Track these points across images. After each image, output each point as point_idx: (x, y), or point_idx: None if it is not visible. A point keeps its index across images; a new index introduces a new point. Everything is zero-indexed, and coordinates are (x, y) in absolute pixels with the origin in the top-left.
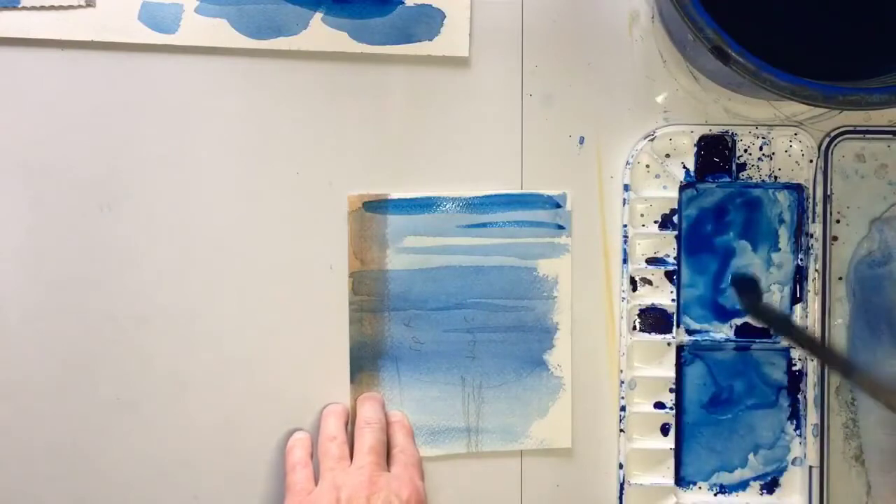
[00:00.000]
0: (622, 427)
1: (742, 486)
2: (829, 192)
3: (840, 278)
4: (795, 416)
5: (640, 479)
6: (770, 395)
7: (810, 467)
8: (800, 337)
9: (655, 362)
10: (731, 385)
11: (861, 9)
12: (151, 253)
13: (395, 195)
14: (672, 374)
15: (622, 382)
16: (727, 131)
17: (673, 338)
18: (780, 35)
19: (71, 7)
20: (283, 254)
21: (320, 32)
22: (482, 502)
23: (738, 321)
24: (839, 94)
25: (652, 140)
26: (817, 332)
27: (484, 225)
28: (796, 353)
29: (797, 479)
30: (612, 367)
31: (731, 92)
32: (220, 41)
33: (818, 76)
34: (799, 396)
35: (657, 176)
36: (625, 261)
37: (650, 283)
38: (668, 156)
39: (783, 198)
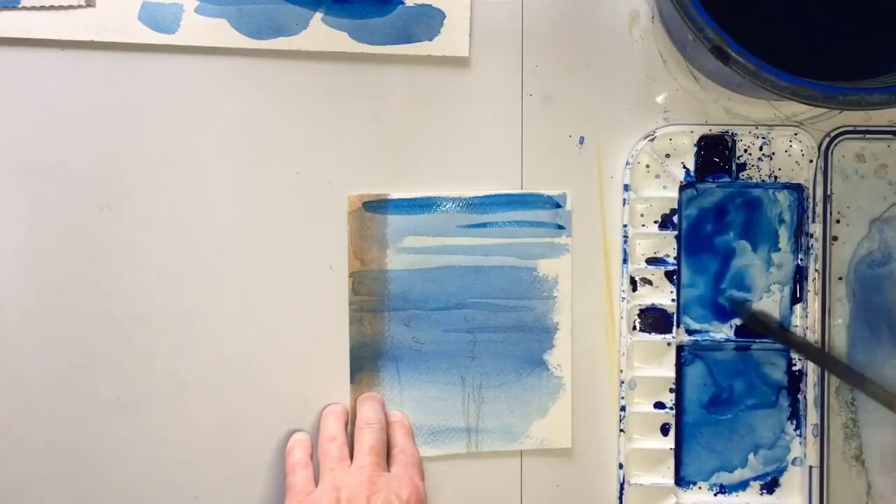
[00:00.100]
0: (622, 427)
1: (742, 486)
2: (829, 192)
3: (840, 278)
4: (795, 416)
5: (640, 479)
6: (770, 395)
7: (810, 467)
8: (821, 359)
9: (655, 362)
10: (731, 385)
11: (861, 9)
12: (151, 253)
13: (395, 195)
14: (672, 374)
15: (622, 382)
16: (727, 131)
17: (673, 338)
18: (780, 35)
19: (71, 7)
20: (283, 254)
21: (320, 32)
22: (482, 502)
23: (738, 321)
24: (839, 94)
25: (652, 140)
26: (817, 332)
27: (484, 225)
28: (796, 353)
29: (797, 479)
30: (612, 367)
31: (731, 92)
32: (220, 41)
33: (818, 76)
34: (799, 396)
35: (657, 176)
36: (625, 261)
37: (650, 283)
38: (668, 156)
39: (783, 198)
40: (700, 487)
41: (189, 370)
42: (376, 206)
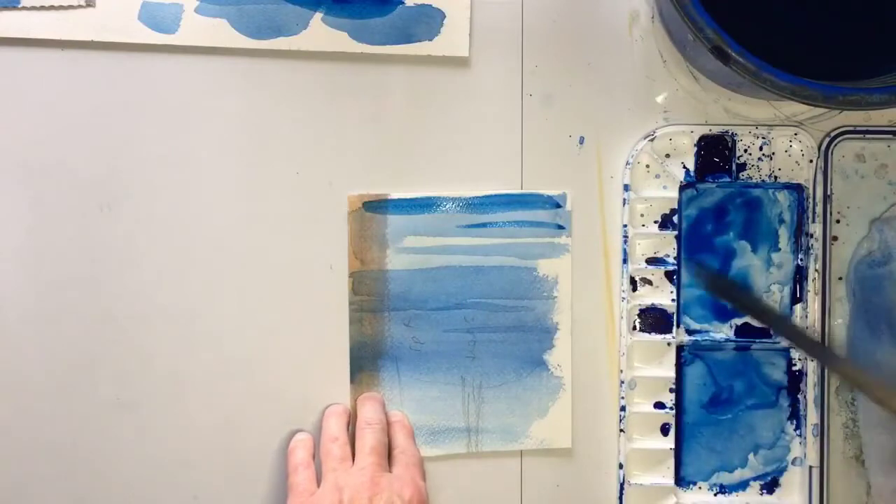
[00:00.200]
0: (622, 427)
1: (742, 486)
2: (829, 192)
3: (840, 278)
4: (795, 416)
5: (640, 479)
6: (770, 395)
7: (810, 467)
8: (780, 326)
9: (655, 362)
10: (731, 385)
11: (861, 9)
12: (151, 253)
13: (395, 195)
14: (672, 374)
15: (622, 382)
16: (727, 131)
17: (673, 338)
18: (780, 35)
19: (71, 7)
20: (283, 254)
21: (320, 32)
22: (482, 502)
23: (738, 321)
24: (839, 94)
25: (652, 140)
26: (817, 332)
27: (484, 225)
28: (796, 354)
29: (797, 479)
30: (612, 367)
31: (731, 92)
32: (220, 41)
33: (818, 76)
34: (799, 396)
35: (657, 176)
36: (625, 261)
37: (650, 283)
38: (668, 156)
39: (783, 198)
40: (700, 487)
41: (189, 370)
42: (376, 206)
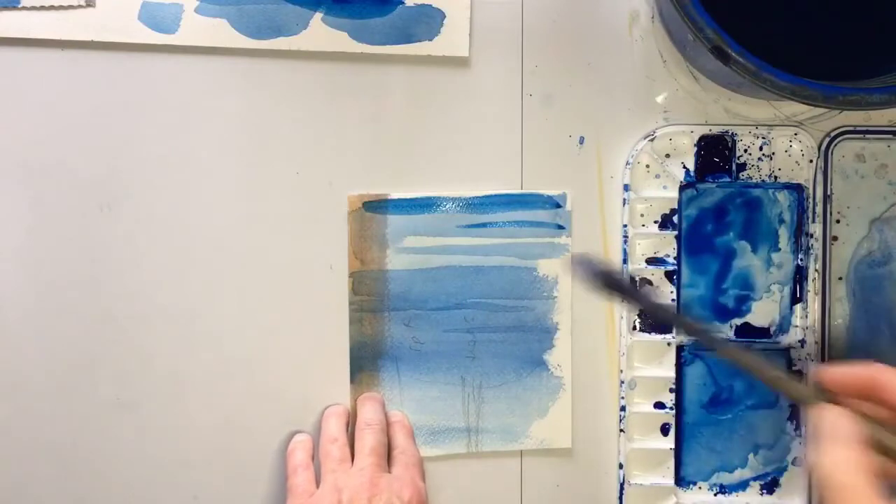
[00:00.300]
0: (622, 427)
1: (742, 486)
2: (829, 192)
3: (840, 278)
4: (795, 416)
5: (640, 479)
6: (770, 395)
7: None
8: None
9: (655, 362)
10: (731, 385)
11: (861, 9)
12: (151, 253)
13: (395, 195)
14: (672, 374)
15: (622, 382)
16: (727, 131)
17: (673, 338)
18: (780, 35)
19: (71, 7)
20: (283, 254)
21: (320, 32)
22: (482, 502)
23: (738, 321)
24: (839, 94)
25: (652, 140)
26: (817, 333)
27: (484, 225)
28: (796, 353)
29: (797, 479)
30: (612, 367)
31: (731, 92)
32: (220, 41)
33: (818, 76)
34: None
35: (657, 176)
36: (625, 261)
37: (650, 283)
38: (668, 156)
39: (783, 198)
40: (700, 487)
41: (189, 370)
42: (376, 206)
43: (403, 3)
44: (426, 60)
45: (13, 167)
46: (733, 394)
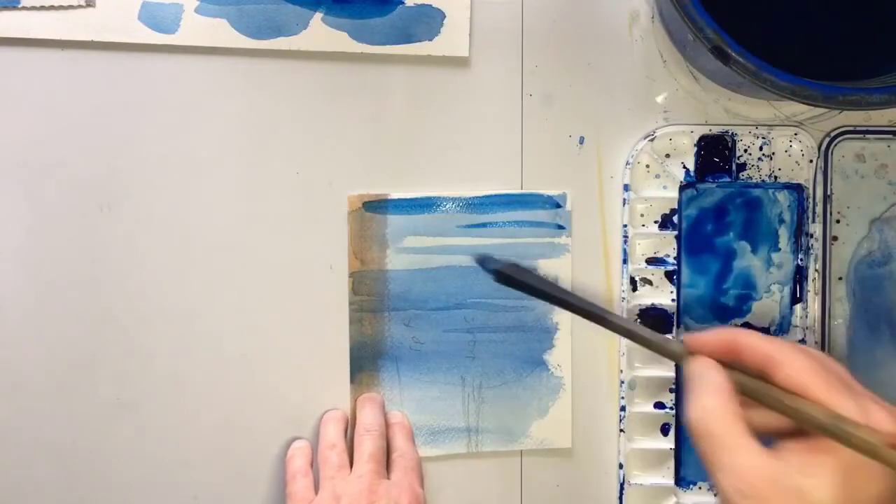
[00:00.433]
0: (622, 427)
1: None
2: (829, 192)
3: (840, 278)
4: None
5: (640, 479)
6: None
7: None
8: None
9: (655, 362)
10: None
11: (861, 9)
12: (151, 253)
13: (395, 195)
14: (672, 374)
15: (622, 382)
16: (727, 131)
17: (673, 338)
18: (780, 35)
19: (71, 7)
20: (283, 254)
21: (320, 32)
22: (482, 502)
23: (739, 321)
24: (839, 94)
25: (652, 140)
26: (817, 332)
27: (484, 225)
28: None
29: None
30: (612, 367)
31: (731, 92)
32: (220, 41)
33: (818, 76)
34: None
35: (657, 176)
36: (625, 261)
37: (650, 283)
38: (668, 156)
39: (783, 198)
40: (700, 487)
41: (189, 370)
42: (376, 206)
43: (403, 3)
44: (426, 60)
45: (13, 167)
46: None
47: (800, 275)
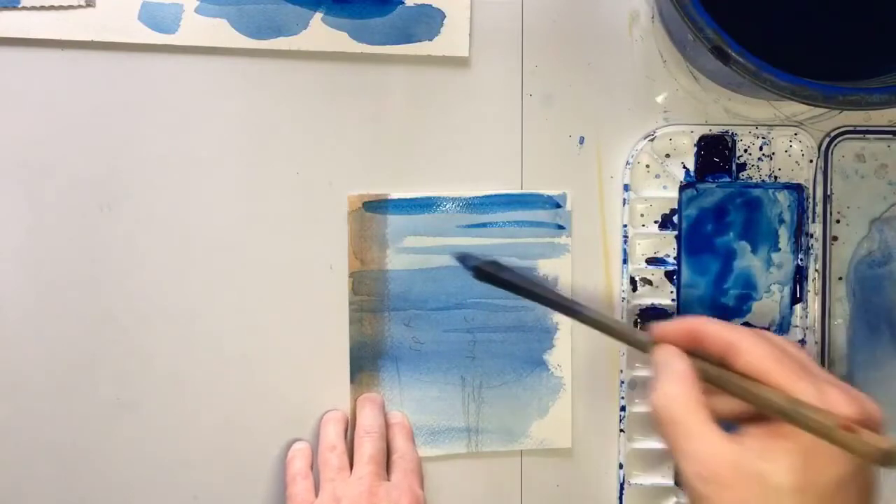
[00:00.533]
0: (622, 427)
1: None
2: (829, 192)
3: (840, 278)
4: None
5: (640, 479)
6: None
7: None
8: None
9: None
10: None
11: (861, 9)
12: (151, 253)
13: (395, 195)
14: None
15: (622, 382)
16: (727, 131)
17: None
18: (780, 35)
19: (71, 7)
20: (283, 254)
21: (320, 32)
22: (482, 502)
23: (739, 321)
24: (839, 94)
25: (652, 140)
26: (817, 332)
27: (484, 225)
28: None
29: None
30: (612, 367)
31: (731, 92)
32: (220, 41)
33: (818, 76)
34: None
35: (657, 176)
36: (625, 261)
37: (650, 283)
38: (668, 156)
39: (783, 198)
40: None
41: (189, 370)
42: (376, 206)
43: (403, 3)
44: (426, 60)
45: (13, 167)
46: None
47: (800, 275)
